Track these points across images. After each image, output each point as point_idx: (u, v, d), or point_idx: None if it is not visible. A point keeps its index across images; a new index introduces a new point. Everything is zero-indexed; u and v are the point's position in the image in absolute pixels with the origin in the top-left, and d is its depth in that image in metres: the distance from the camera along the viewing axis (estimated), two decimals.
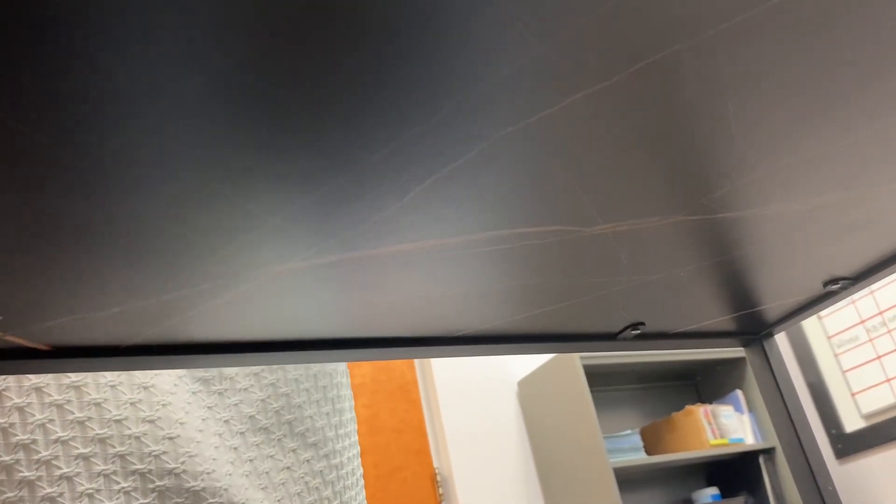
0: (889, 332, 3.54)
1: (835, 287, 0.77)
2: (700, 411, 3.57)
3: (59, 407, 0.66)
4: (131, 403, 0.69)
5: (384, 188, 0.47)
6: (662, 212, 0.56)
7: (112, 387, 0.69)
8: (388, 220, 0.50)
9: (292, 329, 0.59)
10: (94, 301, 0.50)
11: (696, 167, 0.52)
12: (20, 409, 0.65)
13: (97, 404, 0.68)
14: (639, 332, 0.76)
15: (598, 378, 3.83)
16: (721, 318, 0.81)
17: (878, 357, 3.58)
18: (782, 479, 3.55)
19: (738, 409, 3.79)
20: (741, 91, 0.45)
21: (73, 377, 0.68)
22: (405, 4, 0.34)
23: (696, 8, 0.38)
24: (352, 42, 0.35)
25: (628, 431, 3.49)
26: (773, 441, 3.62)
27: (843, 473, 3.69)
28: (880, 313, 3.58)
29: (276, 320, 0.58)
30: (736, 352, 3.83)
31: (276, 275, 0.53)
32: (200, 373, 0.76)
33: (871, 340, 3.62)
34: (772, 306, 0.81)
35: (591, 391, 3.90)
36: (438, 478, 3.44)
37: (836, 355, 3.75)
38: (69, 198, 0.41)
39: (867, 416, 3.62)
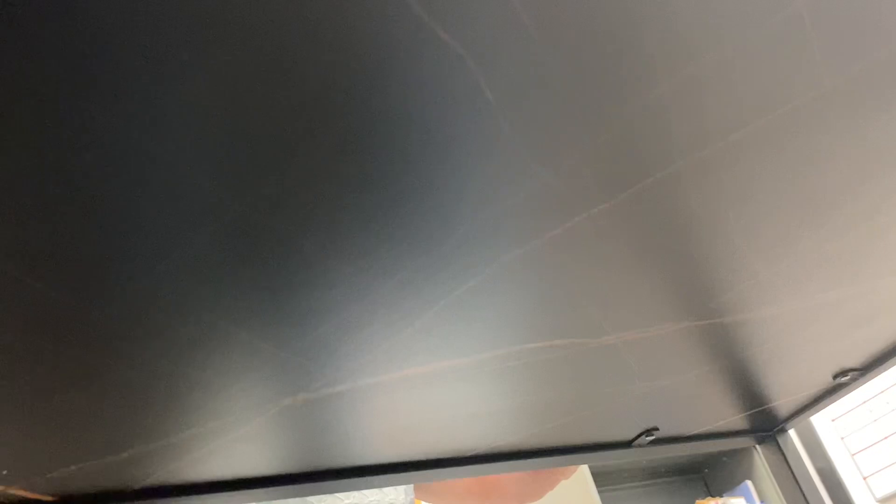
0: (893, 410, 3.50)
1: (844, 379, 0.76)
2: None
3: None
4: None
5: (395, 315, 0.47)
6: (669, 319, 0.57)
7: None
8: (400, 345, 0.50)
9: (306, 461, 0.58)
10: (101, 448, 0.49)
11: (700, 275, 0.52)
12: None
13: None
14: (653, 437, 0.74)
15: (604, 477, 3.73)
16: (734, 417, 0.80)
17: (885, 438, 3.52)
18: None
19: (749, 500, 3.68)
20: (740, 201, 0.46)
21: None
22: (416, 141, 0.35)
23: (691, 130, 0.39)
24: (364, 180, 0.36)
25: None
26: None
27: None
28: (882, 392, 3.54)
29: (289, 453, 0.56)
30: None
31: (287, 407, 0.52)
32: None
33: (875, 421, 3.57)
34: (783, 402, 0.80)
35: (599, 491, 3.79)
36: None
37: (842, 438, 3.69)
38: (79, 348, 0.40)
39: (882, 501, 3.52)
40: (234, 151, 0.32)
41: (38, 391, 0.42)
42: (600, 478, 3.72)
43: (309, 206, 0.36)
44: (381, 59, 0.30)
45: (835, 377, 0.76)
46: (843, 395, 0.80)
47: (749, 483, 3.78)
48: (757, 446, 0.89)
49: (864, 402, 3.69)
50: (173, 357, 0.43)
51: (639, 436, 0.74)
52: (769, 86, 0.38)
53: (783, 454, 0.89)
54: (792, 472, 0.89)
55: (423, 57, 0.31)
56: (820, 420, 3.84)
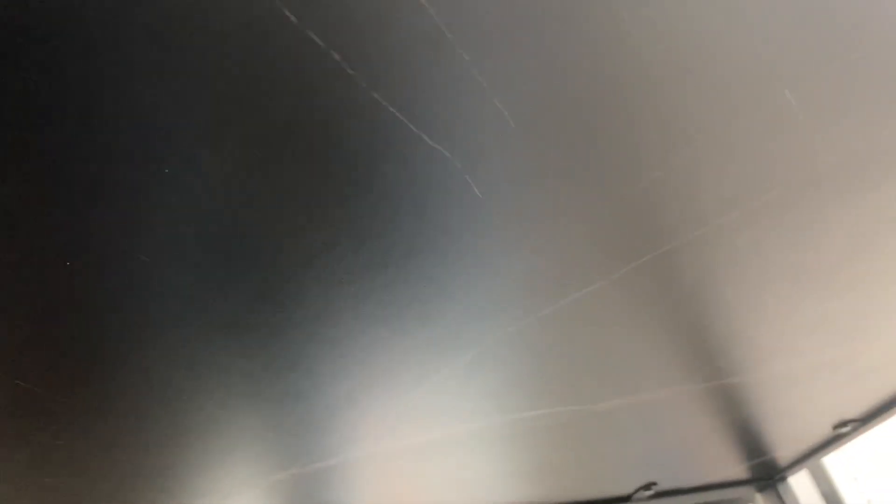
0: None
1: (844, 430, 0.76)
2: None
3: None
4: None
5: (391, 389, 0.46)
6: (667, 385, 0.56)
7: None
8: (397, 418, 0.49)
9: None
10: None
11: (698, 343, 0.52)
12: None
13: None
14: (652, 492, 0.73)
15: None
16: (734, 469, 0.79)
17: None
18: None
19: None
20: (738, 274, 0.46)
21: None
22: (407, 233, 0.35)
23: (684, 212, 0.39)
24: (354, 272, 0.36)
25: None
26: None
27: None
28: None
29: None
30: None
31: (279, 482, 0.51)
32: None
33: (887, 457, 3.54)
34: (783, 453, 0.79)
35: None
36: None
37: (852, 474, 3.66)
38: (62, 437, 0.40)
39: None
40: (219, 248, 0.32)
41: (20, 476, 0.42)
42: None
43: (295, 298, 0.36)
44: (370, 162, 0.30)
45: (835, 428, 0.75)
46: (842, 445, 0.79)
47: None
48: (757, 494, 0.88)
49: (877, 438, 3.65)
50: (159, 438, 0.42)
51: (637, 490, 0.73)
52: (763, 169, 0.38)
53: (783, 503, 0.88)
54: None
55: (410, 159, 0.30)
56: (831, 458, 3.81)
